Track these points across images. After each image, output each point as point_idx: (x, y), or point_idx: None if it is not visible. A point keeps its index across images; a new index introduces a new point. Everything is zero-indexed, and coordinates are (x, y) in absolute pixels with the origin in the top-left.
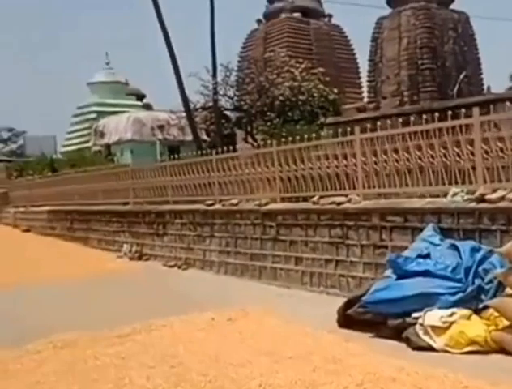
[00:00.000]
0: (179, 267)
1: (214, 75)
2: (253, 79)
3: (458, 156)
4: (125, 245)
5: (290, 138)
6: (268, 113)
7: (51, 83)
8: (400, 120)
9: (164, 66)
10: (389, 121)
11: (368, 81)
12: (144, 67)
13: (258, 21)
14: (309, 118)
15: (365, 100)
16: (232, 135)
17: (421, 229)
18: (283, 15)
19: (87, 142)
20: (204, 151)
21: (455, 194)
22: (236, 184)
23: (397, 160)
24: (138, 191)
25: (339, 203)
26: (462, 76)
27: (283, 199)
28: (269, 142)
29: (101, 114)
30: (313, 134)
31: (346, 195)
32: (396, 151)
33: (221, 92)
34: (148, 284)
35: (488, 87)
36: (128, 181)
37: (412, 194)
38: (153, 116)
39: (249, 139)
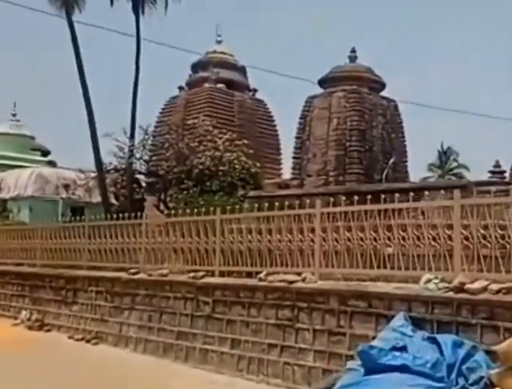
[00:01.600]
0: (87, 341)
1: (131, 137)
2: (173, 145)
3: (434, 239)
4: (23, 312)
5: (214, 208)
6: (185, 181)
7: None
8: (332, 199)
9: (74, 123)
10: (318, 200)
11: (293, 157)
12: (52, 122)
13: (180, 88)
14: (228, 190)
15: (285, 176)
16: (142, 201)
17: (387, 317)
18: (206, 85)
19: None
20: (121, 215)
21: (429, 281)
22: (166, 251)
23: (362, 239)
24: (48, 252)
25: (291, 282)
26: (391, 161)
27: (222, 273)
28: (212, 209)
29: (1, 167)
30: (242, 206)
31: (299, 273)
32: (362, 229)
33: (137, 155)
34: (46, 362)
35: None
36: (36, 240)
37: (377, 278)
38: (59, 173)
39: (161, 206)
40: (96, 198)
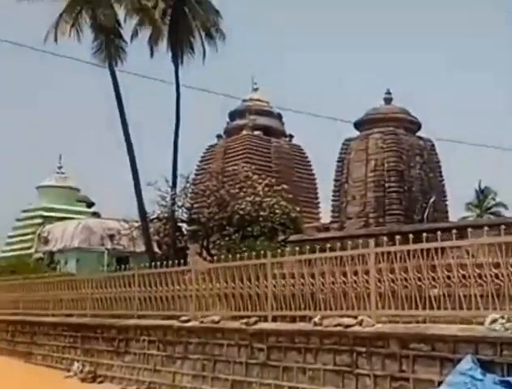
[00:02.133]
0: None
1: (173, 185)
2: (214, 192)
3: (497, 277)
4: (75, 364)
5: (255, 253)
6: (227, 228)
7: None
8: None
9: (117, 175)
10: (360, 241)
11: (332, 200)
12: (95, 173)
13: (218, 136)
14: (269, 235)
15: (322, 219)
16: (184, 249)
17: (452, 360)
18: (244, 132)
19: (28, 248)
20: (163, 263)
21: (494, 321)
22: (215, 297)
23: (420, 279)
24: (98, 302)
25: (348, 326)
26: (431, 201)
27: (274, 318)
28: (259, 253)
29: (48, 219)
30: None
31: (355, 317)
32: (418, 269)
33: (179, 203)
34: None
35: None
36: (86, 290)
37: (438, 320)
38: (103, 224)
39: (204, 253)
40: (140, 247)
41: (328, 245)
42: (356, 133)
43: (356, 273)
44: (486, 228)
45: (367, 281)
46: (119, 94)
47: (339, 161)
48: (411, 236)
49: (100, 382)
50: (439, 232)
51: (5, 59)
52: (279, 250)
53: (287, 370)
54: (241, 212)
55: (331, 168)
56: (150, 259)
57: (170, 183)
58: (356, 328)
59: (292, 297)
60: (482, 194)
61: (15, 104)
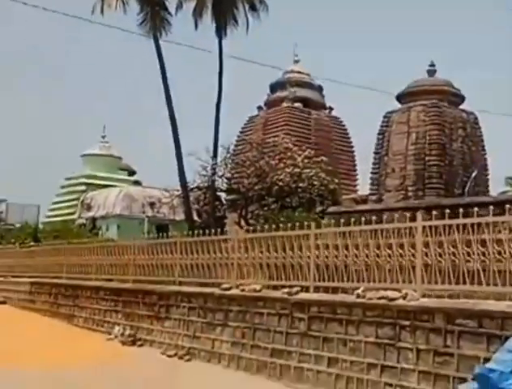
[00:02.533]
0: (180, 358)
1: (214, 156)
2: (253, 163)
3: None
4: (116, 327)
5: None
6: (266, 198)
7: (40, 151)
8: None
9: (158, 143)
10: (396, 215)
11: (371, 173)
12: (138, 143)
13: (259, 108)
14: (307, 206)
15: (360, 192)
16: (223, 218)
17: (500, 337)
18: (284, 104)
19: (72, 214)
20: (201, 231)
21: None
22: (254, 266)
23: (469, 254)
24: (140, 268)
25: (392, 299)
26: (473, 175)
27: (316, 289)
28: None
29: (91, 187)
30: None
31: (399, 290)
32: (468, 244)
33: (220, 173)
34: (143, 376)
35: None
36: (128, 256)
37: (487, 296)
38: (145, 192)
39: (242, 223)
40: (179, 215)
41: (368, 218)
42: (398, 106)
43: (401, 246)
44: None
45: (413, 255)
46: (163, 65)
47: (379, 134)
48: (447, 210)
49: (140, 345)
50: (476, 208)
51: (54, 29)
52: (317, 222)
53: (327, 341)
54: (280, 183)
55: (370, 141)
56: (189, 227)
57: (211, 153)
58: (401, 302)
59: (335, 268)
60: None
61: (61, 74)
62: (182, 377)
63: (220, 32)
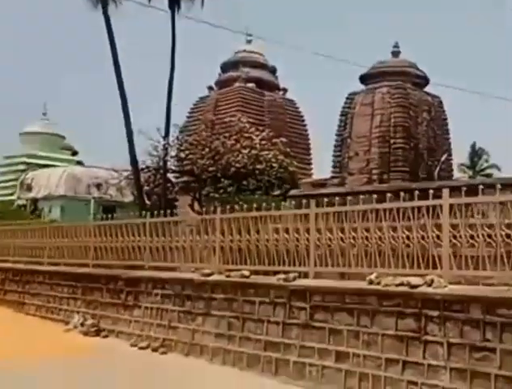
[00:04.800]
0: (154, 350)
1: (166, 135)
2: (208, 143)
3: None
4: (76, 316)
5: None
6: (222, 180)
7: None
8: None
9: (104, 123)
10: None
11: (333, 156)
12: (81, 121)
13: (210, 88)
14: (265, 189)
15: (314, 176)
16: (174, 200)
17: None
18: (236, 84)
19: (10, 194)
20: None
21: None
22: (240, 251)
23: (509, 237)
24: (102, 251)
25: (414, 286)
26: (443, 158)
27: (316, 275)
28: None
29: (31, 166)
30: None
31: (421, 275)
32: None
33: (172, 154)
34: (117, 372)
35: None
36: (88, 238)
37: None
38: (91, 173)
39: (196, 206)
40: (128, 197)
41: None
42: (361, 87)
43: (423, 228)
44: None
45: (438, 237)
46: (113, 38)
47: (341, 115)
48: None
49: (105, 336)
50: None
51: None
52: (278, 204)
53: (334, 333)
54: (237, 165)
55: (324, 123)
56: (140, 209)
57: (162, 132)
58: (427, 289)
59: (341, 253)
60: (476, 155)
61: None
62: (162, 371)
63: (173, 6)
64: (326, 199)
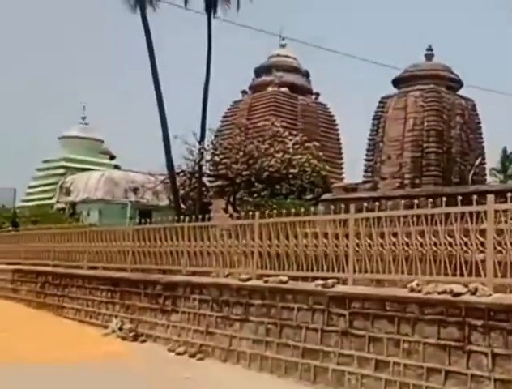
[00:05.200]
0: (191, 356)
1: (201, 139)
2: (242, 147)
3: None
4: (114, 320)
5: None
6: (255, 184)
7: (15, 132)
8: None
9: (141, 128)
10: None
11: (365, 160)
12: (120, 126)
13: (243, 92)
14: (298, 193)
15: (345, 180)
16: (209, 204)
17: None
18: (270, 88)
19: (49, 198)
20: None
21: None
22: (284, 255)
23: None
24: (140, 256)
25: (457, 294)
26: (477, 162)
27: (355, 281)
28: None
29: (70, 170)
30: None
31: (464, 283)
32: None
33: (207, 158)
34: (157, 379)
35: None
36: (127, 242)
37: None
38: (128, 177)
39: (230, 210)
40: (163, 201)
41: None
42: (394, 91)
43: (466, 234)
44: None
45: (482, 243)
46: (150, 42)
47: (374, 119)
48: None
49: (143, 341)
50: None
51: None
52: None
53: (374, 341)
54: (270, 169)
55: (357, 129)
56: (176, 213)
57: (198, 137)
58: (470, 298)
59: (381, 259)
60: (507, 159)
61: (38, 48)
62: (201, 377)
63: (210, 9)
64: (365, 204)
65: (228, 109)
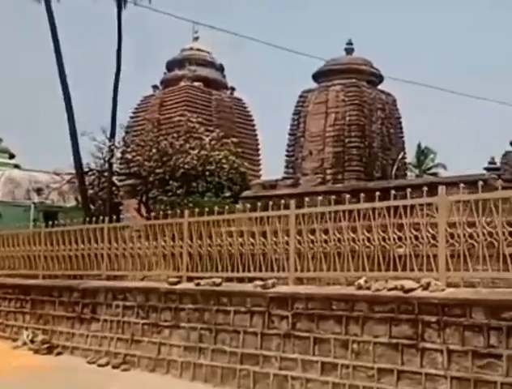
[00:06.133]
0: (115, 367)
1: (112, 136)
2: (155, 144)
3: None
4: (25, 332)
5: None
6: (170, 182)
7: None
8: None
9: (43, 123)
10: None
11: (286, 155)
12: (17, 121)
13: (154, 87)
14: (215, 191)
15: (263, 177)
16: (119, 205)
17: None
18: (182, 83)
19: None
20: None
21: None
22: (217, 255)
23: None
24: (54, 261)
25: (408, 290)
26: (399, 157)
27: (299, 280)
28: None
29: None
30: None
31: (415, 279)
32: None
33: (118, 155)
34: None
35: None
36: (37, 247)
37: None
38: (31, 176)
39: (143, 210)
40: (70, 202)
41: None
42: (315, 85)
43: (416, 227)
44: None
45: (433, 237)
46: (54, 24)
47: (294, 114)
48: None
49: (59, 353)
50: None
51: None
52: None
53: (320, 343)
54: (186, 166)
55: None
56: (85, 214)
57: (108, 133)
58: (423, 293)
59: (324, 256)
60: (422, 154)
61: None
62: None
63: (120, 1)
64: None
65: (139, 105)
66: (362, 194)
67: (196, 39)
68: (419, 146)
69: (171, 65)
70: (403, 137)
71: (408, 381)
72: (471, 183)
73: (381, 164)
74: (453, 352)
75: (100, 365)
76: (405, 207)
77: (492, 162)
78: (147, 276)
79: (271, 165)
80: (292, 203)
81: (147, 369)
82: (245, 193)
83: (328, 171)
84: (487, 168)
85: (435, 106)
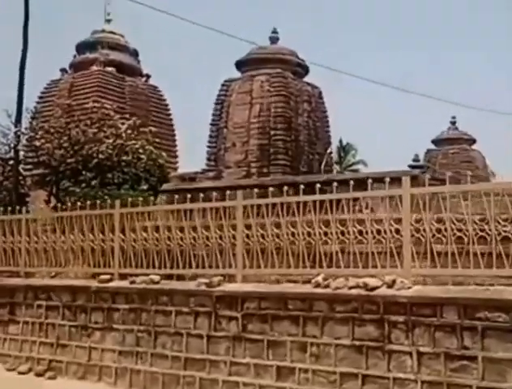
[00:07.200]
0: (39, 375)
1: (18, 122)
2: (66, 131)
3: None
4: None
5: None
6: (83, 173)
7: None
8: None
9: None
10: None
11: (208, 147)
12: None
13: (63, 70)
14: (131, 183)
15: (182, 169)
16: (25, 195)
17: None
18: (94, 67)
19: None
20: None
21: None
22: (154, 250)
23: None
24: None
25: (372, 288)
26: (329, 151)
27: (245, 278)
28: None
29: None
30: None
31: (377, 276)
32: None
33: (25, 142)
34: None
35: None
36: None
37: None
38: None
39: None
40: None
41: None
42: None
43: (378, 221)
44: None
45: (396, 231)
46: None
47: (216, 104)
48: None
49: None
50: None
51: None
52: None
53: (274, 346)
54: (100, 156)
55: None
56: None
57: (13, 118)
58: (388, 291)
59: (277, 252)
60: (343, 150)
61: None
62: None
63: None
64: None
65: (46, 89)
66: (302, 187)
67: (108, 21)
68: (340, 142)
69: (81, 47)
70: (329, 131)
71: (374, 386)
72: (398, 179)
73: (307, 159)
74: (423, 355)
75: (20, 373)
76: (351, 200)
77: (416, 159)
78: (60, 273)
79: (187, 157)
80: (240, 193)
81: (76, 376)
82: (166, 186)
83: (253, 164)
84: (411, 166)
85: (359, 100)
